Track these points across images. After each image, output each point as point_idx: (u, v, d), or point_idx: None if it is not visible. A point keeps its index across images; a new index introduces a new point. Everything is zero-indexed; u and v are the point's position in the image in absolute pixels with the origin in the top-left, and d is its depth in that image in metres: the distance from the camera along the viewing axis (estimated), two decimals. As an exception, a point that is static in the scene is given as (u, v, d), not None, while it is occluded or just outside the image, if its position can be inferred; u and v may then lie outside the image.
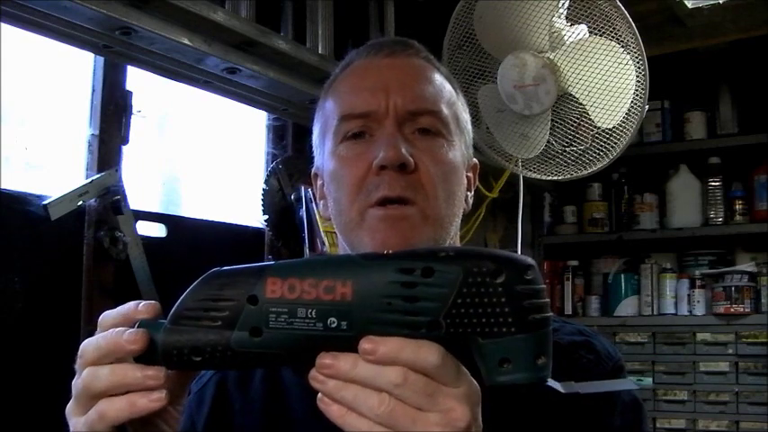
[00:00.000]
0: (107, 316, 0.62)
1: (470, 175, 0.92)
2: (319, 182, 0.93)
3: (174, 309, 0.58)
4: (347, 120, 0.85)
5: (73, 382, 0.61)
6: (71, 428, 0.61)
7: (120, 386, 0.58)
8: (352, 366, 0.54)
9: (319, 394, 0.56)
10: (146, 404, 0.57)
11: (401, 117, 0.84)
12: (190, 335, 0.57)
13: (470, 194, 0.92)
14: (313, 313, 0.55)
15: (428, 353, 0.54)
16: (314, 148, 0.95)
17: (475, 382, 0.57)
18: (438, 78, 0.89)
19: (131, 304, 0.61)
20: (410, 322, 0.55)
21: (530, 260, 0.56)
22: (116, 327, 0.60)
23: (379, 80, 0.86)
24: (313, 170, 0.95)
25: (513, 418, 0.76)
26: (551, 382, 0.72)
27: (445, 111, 0.86)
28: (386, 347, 0.54)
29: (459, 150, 0.88)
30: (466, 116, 0.92)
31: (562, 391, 0.73)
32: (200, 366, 0.58)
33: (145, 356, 0.58)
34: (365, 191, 0.82)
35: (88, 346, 0.60)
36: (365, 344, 0.54)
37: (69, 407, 0.61)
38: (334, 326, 0.55)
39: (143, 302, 0.61)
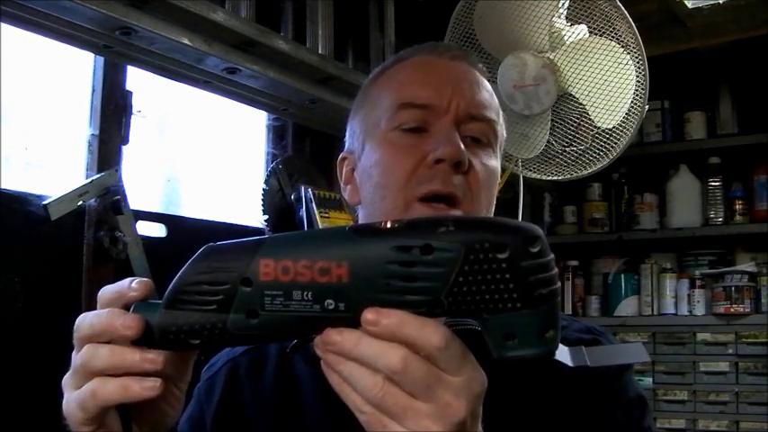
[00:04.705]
0: (105, 292, 0.61)
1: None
2: (347, 166, 0.94)
3: (168, 290, 0.57)
4: (407, 108, 0.86)
5: (72, 355, 0.61)
6: (64, 400, 0.61)
7: (118, 368, 0.58)
8: (355, 345, 0.53)
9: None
10: (138, 391, 0.57)
11: (461, 117, 0.85)
12: (186, 317, 0.56)
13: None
14: (309, 295, 0.53)
15: (432, 333, 0.52)
16: (348, 134, 0.95)
17: (480, 372, 0.55)
18: (492, 92, 0.91)
19: (125, 281, 0.61)
20: (410, 302, 0.52)
21: (536, 230, 0.54)
22: (111, 305, 0.60)
23: (444, 78, 0.87)
24: (342, 154, 0.95)
25: (516, 405, 0.76)
26: (560, 354, 0.71)
27: (497, 122, 0.89)
28: (389, 320, 0.52)
29: (498, 164, 0.90)
30: (504, 135, 0.94)
31: (570, 364, 0.72)
32: (196, 346, 0.57)
33: (142, 339, 0.57)
34: (415, 181, 0.83)
35: (83, 322, 0.60)
36: (369, 314, 0.53)
37: (66, 378, 0.61)
38: (331, 307, 0.53)
39: (136, 280, 0.60)
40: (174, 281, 0.57)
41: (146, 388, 0.57)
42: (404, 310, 0.53)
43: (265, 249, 0.54)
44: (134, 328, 0.57)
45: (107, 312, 0.59)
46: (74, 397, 0.60)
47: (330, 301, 0.53)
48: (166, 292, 0.57)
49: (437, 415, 0.52)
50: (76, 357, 0.60)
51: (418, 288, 0.52)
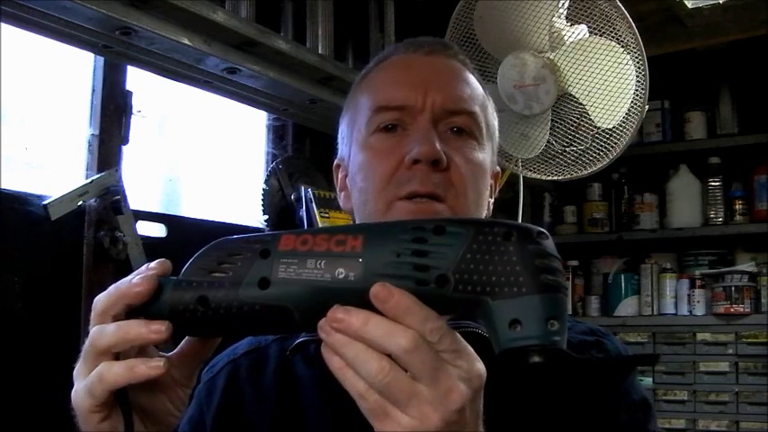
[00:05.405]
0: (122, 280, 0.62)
1: (492, 182, 0.92)
2: (341, 173, 0.93)
3: (185, 267, 0.59)
4: (382, 111, 0.85)
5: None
6: (73, 390, 0.61)
7: (125, 341, 0.58)
8: (363, 324, 0.53)
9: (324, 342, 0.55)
10: (144, 370, 0.57)
11: (437, 114, 0.84)
12: (199, 287, 0.58)
13: (491, 201, 0.92)
14: (322, 264, 0.55)
15: (434, 324, 0.53)
16: (339, 141, 0.95)
17: (480, 363, 0.55)
18: (474, 82, 0.90)
19: (144, 265, 0.61)
20: (418, 277, 0.54)
21: (542, 229, 0.56)
22: None
23: (418, 76, 0.86)
24: (336, 161, 0.95)
25: (519, 406, 0.76)
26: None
27: (480, 113, 0.87)
28: (398, 300, 0.52)
29: (488, 155, 0.88)
30: (495, 123, 0.93)
31: (574, 355, 0.72)
32: (206, 320, 0.57)
33: (153, 312, 0.58)
34: (395, 183, 0.82)
35: (100, 297, 0.61)
36: (379, 288, 0.53)
37: (77, 368, 0.61)
38: (341, 276, 0.55)
39: (153, 261, 0.61)
40: (192, 259, 0.59)
41: (151, 367, 0.57)
42: (412, 284, 0.54)
43: (290, 231, 0.58)
44: (145, 284, 0.58)
45: (122, 281, 0.60)
46: (82, 385, 0.60)
47: (341, 270, 0.55)
48: (183, 269, 0.59)
49: (438, 401, 0.52)
50: (86, 341, 0.60)
51: (427, 262, 0.54)
